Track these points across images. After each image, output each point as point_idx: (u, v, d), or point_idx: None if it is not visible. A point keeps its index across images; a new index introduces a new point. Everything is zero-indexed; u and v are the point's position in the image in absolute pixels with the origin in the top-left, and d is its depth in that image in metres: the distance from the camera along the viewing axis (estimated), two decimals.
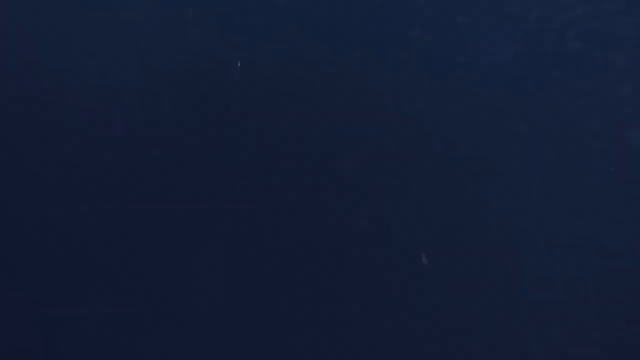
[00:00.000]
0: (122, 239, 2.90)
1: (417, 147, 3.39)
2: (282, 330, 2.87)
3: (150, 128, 3.11)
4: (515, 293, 3.23)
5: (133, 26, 3.20)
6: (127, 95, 3.13)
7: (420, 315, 3.11)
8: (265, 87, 3.38)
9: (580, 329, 3.07)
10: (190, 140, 3.23)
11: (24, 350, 2.99)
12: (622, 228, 3.08)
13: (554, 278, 3.24)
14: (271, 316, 2.86)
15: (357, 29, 3.44)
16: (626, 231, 2.98)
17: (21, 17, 3.31)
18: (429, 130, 3.40)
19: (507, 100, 3.37)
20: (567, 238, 3.19)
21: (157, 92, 3.14)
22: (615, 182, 3.14)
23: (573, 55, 3.09)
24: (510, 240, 3.29)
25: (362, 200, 3.41)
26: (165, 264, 2.94)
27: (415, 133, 3.42)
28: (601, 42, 3.12)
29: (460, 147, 3.40)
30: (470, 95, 3.33)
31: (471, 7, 3.26)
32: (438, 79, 3.30)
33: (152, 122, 3.13)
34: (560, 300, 3.14)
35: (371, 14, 3.34)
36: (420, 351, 2.99)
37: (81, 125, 3.16)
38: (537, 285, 3.21)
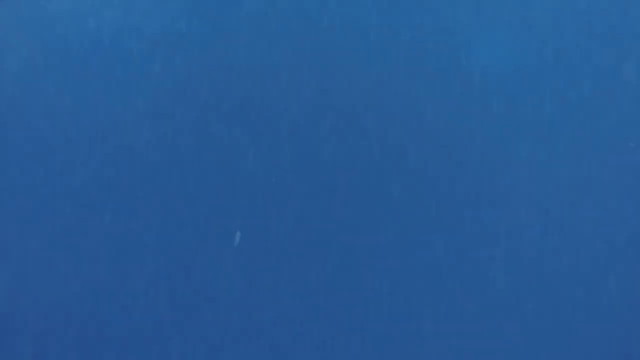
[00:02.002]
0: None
1: (418, 145, 3.40)
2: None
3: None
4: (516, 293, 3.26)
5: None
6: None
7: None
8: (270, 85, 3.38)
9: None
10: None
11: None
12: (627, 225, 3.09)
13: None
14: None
15: (354, 27, 3.43)
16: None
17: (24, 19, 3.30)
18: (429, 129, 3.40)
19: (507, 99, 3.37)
20: (570, 239, 3.21)
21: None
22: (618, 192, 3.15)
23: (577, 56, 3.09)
24: (513, 241, 3.31)
25: (363, 198, 3.43)
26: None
27: (415, 132, 3.42)
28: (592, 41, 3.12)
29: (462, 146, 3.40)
30: (471, 94, 3.33)
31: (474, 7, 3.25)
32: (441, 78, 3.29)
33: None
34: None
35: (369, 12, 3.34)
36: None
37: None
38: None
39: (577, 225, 2.96)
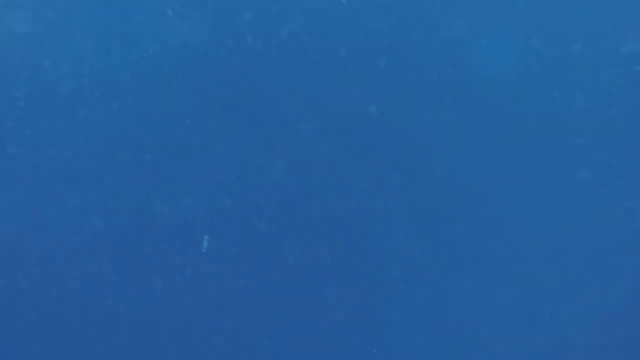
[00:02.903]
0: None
1: (416, 149, 3.39)
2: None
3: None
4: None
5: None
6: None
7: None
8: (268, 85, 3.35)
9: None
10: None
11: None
12: (617, 225, 3.09)
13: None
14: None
15: (354, 30, 3.43)
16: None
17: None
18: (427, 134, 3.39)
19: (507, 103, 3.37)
20: (565, 233, 3.20)
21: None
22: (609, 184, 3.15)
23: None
24: (510, 240, 3.30)
25: (359, 199, 3.41)
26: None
27: (413, 136, 3.41)
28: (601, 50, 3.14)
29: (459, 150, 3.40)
30: (471, 98, 3.33)
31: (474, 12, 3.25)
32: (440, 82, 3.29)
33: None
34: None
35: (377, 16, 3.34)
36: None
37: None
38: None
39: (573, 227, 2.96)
